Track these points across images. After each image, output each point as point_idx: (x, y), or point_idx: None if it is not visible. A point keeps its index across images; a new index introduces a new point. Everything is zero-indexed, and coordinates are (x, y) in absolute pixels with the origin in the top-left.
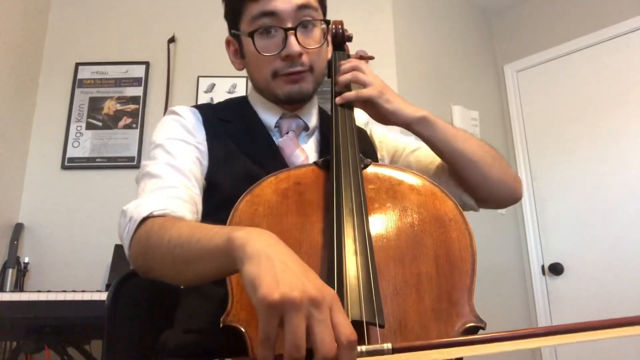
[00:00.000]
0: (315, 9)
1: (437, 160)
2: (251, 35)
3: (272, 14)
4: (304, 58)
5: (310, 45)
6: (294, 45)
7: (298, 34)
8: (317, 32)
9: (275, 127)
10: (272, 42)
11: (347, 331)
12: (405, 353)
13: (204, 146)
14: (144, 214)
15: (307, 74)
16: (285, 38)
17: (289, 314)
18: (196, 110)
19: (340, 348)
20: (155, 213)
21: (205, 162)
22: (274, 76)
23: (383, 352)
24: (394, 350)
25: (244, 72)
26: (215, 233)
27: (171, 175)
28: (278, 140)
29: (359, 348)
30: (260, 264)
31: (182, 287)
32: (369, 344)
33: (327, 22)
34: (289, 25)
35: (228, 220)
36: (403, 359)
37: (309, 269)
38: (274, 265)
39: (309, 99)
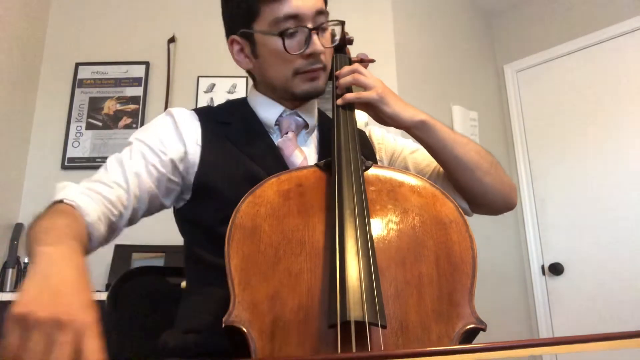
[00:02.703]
0: (328, 13)
1: (434, 163)
2: (281, 35)
3: (295, 16)
4: (322, 57)
5: (327, 45)
6: (317, 43)
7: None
8: (328, 34)
9: (276, 124)
10: (295, 41)
11: (93, 358)
12: None
13: (193, 149)
14: (57, 198)
15: (323, 72)
16: (309, 37)
17: (28, 331)
18: (194, 113)
19: None
20: (65, 201)
21: (194, 168)
22: (294, 74)
23: None
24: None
25: (245, 72)
26: (40, 241)
27: (115, 173)
28: (277, 141)
29: None
30: (34, 281)
31: (182, 286)
32: (370, 344)
33: (343, 23)
34: (310, 26)
35: (230, 221)
36: None
37: (81, 294)
38: (41, 286)
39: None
